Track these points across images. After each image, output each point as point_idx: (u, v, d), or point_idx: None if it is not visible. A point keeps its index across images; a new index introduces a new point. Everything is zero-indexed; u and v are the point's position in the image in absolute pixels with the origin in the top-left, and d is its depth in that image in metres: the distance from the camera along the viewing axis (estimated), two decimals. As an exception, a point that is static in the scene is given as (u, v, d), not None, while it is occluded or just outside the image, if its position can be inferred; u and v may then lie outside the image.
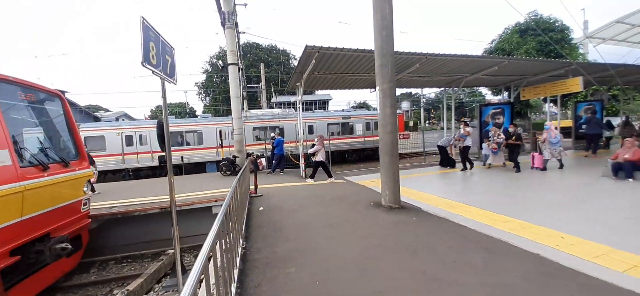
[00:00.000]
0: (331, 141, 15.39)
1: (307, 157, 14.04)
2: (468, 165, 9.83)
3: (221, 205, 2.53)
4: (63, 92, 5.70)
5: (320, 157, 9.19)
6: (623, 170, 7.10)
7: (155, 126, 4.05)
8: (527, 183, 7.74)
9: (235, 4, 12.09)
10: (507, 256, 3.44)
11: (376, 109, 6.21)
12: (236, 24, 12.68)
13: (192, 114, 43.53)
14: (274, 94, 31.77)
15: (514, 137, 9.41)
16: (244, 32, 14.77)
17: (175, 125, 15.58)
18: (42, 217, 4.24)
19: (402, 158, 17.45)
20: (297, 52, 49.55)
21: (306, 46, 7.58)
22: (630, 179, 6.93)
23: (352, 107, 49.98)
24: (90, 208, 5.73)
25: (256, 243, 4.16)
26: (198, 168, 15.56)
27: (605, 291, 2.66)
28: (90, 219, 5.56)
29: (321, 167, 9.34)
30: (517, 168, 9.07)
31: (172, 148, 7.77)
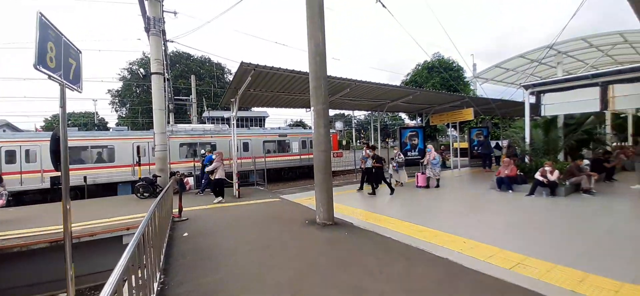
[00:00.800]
0: (267, 159, 15.11)
1: (242, 175, 13.40)
2: (371, 187, 9.62)
3: (133, 234, 2.21)
4: None
5: (219, 174, 8.71)
6: (504, 184, 8.86)
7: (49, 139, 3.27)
8: (435, 195, 8.97)
9: (163, 11, 11.17)
10: (423, 263, 3.88)
11: (312, 128, 6.42)
12: (163, 31, 11.67)
13: (102, 126, 37.40)
14: (206, 109, 29.83)
15: (374, 160, 9.27)
16: (172, 41, 13.61)
17: (77, 139, 13.06)
18: None
19: (336, 175, 18.21)
20: (233, 67, 48.03)
21: (242, 62, 7.44)
22: (510, 191, 8.68)
23: (289, 125, 50.43)
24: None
25: (178, 275, 3.72)
26: (108, 190, 13.26)
27: (496, 287, 3.21)
28: None
29: (217, 186, 8.85)
30: (373, 191, 9.09)
31: (74, 167, 6.48)
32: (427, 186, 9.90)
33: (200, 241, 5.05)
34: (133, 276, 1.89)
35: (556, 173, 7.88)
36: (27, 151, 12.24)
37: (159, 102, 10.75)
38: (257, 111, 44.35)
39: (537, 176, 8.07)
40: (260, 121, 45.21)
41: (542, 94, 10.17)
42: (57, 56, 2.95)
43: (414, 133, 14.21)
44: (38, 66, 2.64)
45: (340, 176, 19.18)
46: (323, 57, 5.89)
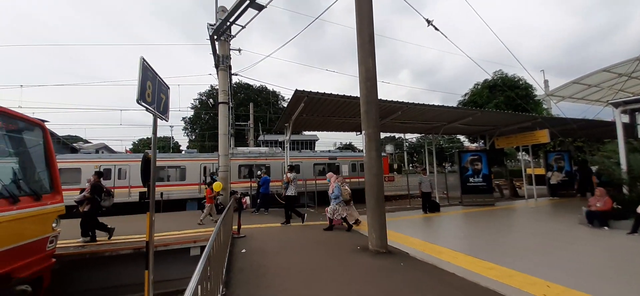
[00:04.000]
0: (317, 181, 15.36)
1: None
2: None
3: (199, 247, 2.44)
4: (44, 121, 5.55)
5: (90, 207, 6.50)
6: (597, 219, 7.42)
7: (140, 160, 3.94)
8: (510, 229, 7.92)
9: (230, 49, 12.67)
10: (493, 306, 3.41)
11: (362, 151, 6.40)
12: (229, 67, 13.17)
13: (176, 149, 42.78)
14: (261, 133, 32.08)
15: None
16: (236, 74, 15.23)
17: (157, 159, 15.17)
18: (6, 254, 3.87)
19: (388, 201, 17.46)
20: (287, 94, 51.29)
21: (296, 90, 7.92)
22: (605, 228, 7.22)
23: (338, 148, 50.84)
24: (57, 246, 5.29)
25: (237, 289, 3.93)
26: (177, 205, 14.93)
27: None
28: (54, 260, 5.10)
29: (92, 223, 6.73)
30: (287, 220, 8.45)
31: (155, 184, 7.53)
32: (330, 228, 7.63)
33: (256, 259, 5.29)
34: (199, 287, 2.08)
35: (669, 208, 6.34)
36: (119, 170, 14.61)
37: (224, 128, 11.96)
38: (307, 134, 45.95)
39: (641, 210, 6.60)
40: (310, 144, 46.61)
41: (637, 113, 8.53)
42: (152, 92, 3.57)
43: (476, 157, 13.02)
44: (139, 101, 3.23)
45: (392, 201, 18.39)
46: (374, 82, 5.94)
